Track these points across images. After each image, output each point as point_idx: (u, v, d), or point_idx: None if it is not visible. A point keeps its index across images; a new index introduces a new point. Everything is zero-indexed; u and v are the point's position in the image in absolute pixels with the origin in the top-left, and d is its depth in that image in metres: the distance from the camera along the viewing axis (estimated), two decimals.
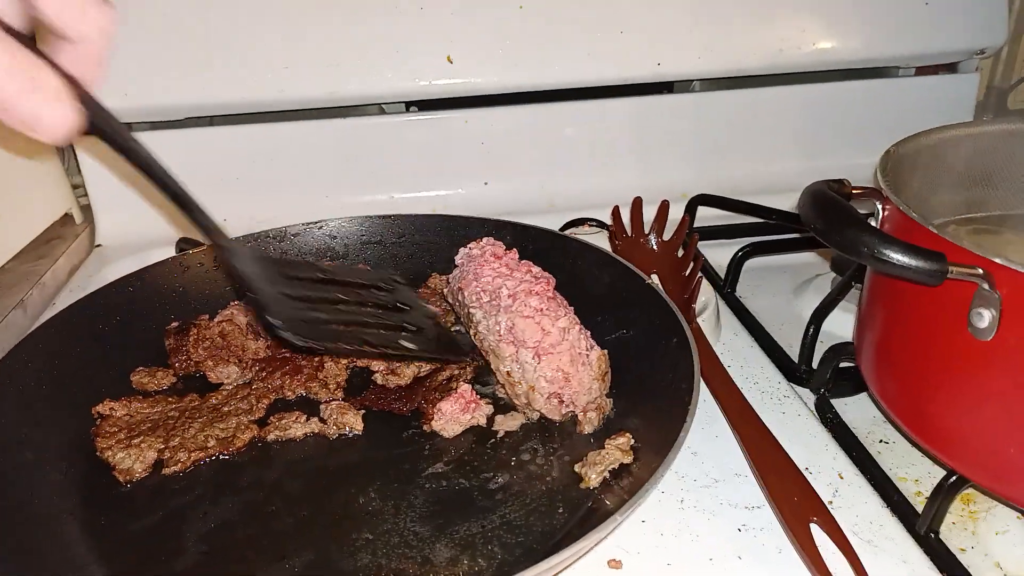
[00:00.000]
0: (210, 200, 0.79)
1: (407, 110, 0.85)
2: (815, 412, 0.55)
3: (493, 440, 0.49)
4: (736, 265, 0.70)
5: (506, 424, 0.50)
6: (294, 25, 0.77)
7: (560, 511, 0.43)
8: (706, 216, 0.81)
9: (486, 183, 0.86)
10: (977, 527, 0.46)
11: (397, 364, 0.53)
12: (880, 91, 0.90)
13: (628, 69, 0.82)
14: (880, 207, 0.42)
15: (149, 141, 0.78)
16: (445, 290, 0.57)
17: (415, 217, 0.66)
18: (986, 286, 0.35)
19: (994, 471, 0.40)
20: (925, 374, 0.42)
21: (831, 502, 0.46)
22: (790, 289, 0.72)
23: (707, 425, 0.52)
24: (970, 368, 0.38)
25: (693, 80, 0.88)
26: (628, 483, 0.42)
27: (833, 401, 0.55)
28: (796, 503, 0.44)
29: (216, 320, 0.56)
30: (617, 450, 0.44)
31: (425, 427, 0.49)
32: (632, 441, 0.45)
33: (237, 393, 0.51)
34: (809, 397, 0.56)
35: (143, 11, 0.75)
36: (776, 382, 0.57)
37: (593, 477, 0.43)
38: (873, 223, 0.43)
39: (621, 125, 0.87)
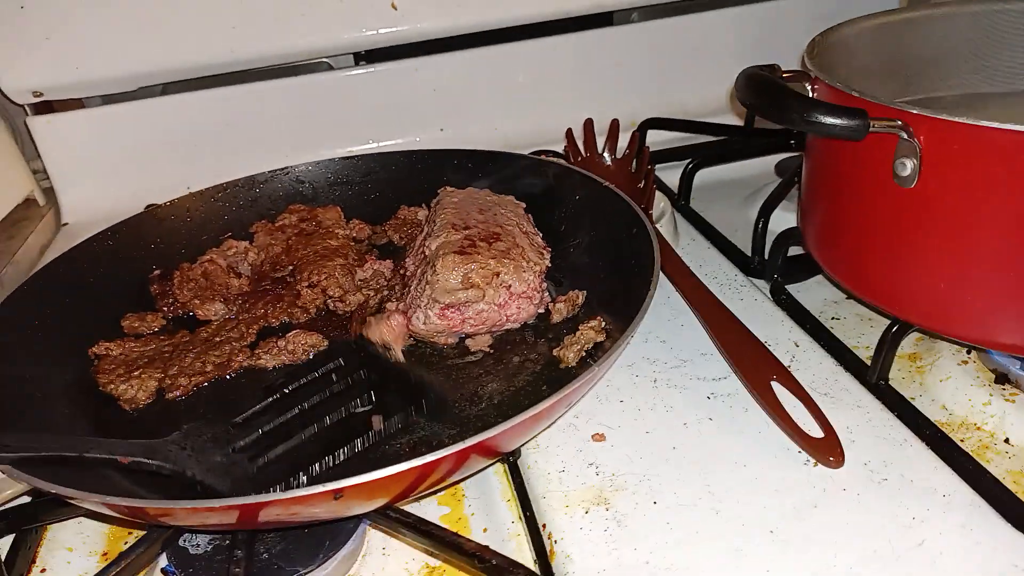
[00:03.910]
0: (170, 169, 0.82)
1: (357, 63, 0.87)
2: (771, 297, 0.59)
3: (472, 353, 0.52)
4: (687, 177, 0.74)
5: (479, 343, 0.53)
6: None
7: (544, 388, 0.46)
8: (657, 140, 0.84)
9: (441, 129, 0.88)
10: (924, 378, 0.50)
11: (345, 292, 0.56)
12: (804, 6, 0.94)
13: (569, 2, 0.85)
14: (809, 87, 0.46)
15: (104, 115, 0.81)
16: (420, 215, 0.59)
17: (379, 155, 0.68)
18: (905, 135, 0.39)
19: (930, 310, 0.44)
20: (861, 231, 0.46)
21: (789, 366, 0.50)
22: (740, 199, 0.76)
23: (673, 318, 0.56)
24: (899, 216, 0.42)
25: (632, 10, 0.91)
26: (604, 357, 0.46)
27: (787, 288, 0.59)
28: (757, 366, 0.48)
29: (198, 263, 0.58)
30: (591, 331, 0.47)
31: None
32: (604, 323, 0.49)
33: (226, 325, 0.53)
34: (765, 287, 0.60)
35: None
36: (733, 276, 0.61)
37: (571, 356, 0.47)
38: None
39: (567, 61, 0.89)
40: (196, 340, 0.52)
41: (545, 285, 0.53)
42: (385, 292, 0.55)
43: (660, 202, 0.67)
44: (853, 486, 0.42)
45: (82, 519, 0.46)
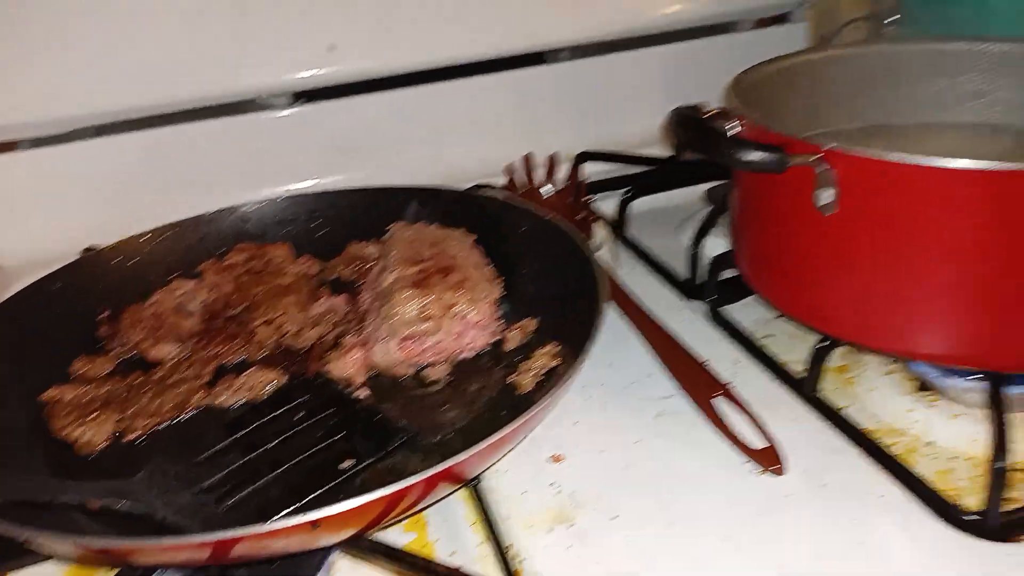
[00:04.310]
0: (108, 211, 0.81)
1: (295, 101, 0.88)
2: (709, 319, 0.62)
3: (431, 383, 0.53)
4: (624, 206, 0.77)
5: (437, 373, 0.54)
6: (174, 25, 0.78)
7: (503, 414, 0.48)
8: (595, 171, 0.87)
9: (380, 166, 0.90)
10: (853, 389, 0.54)
11: (300, 328, 0.56)
12: (728, 43, 1.00)
13: (505, 43, 0.88)
14: (732, 124, 0.49)
15: (37, 158, 0.79)
16: (369, 250, 0.61)
17: (325, 193, 0.69)
18: (822, 168, 0.43)
19: (854, 326, 0.48)
20: (787, 255, 0.49)
21: (730, 382, 0.53)
22: (676, 225, 0.79)
23: (618, 341, 0.59)
24: (821, 241, 0.46)
25: (564, 49, 0.95)
26: (559, 381, 0.48)
27: (724, 309, 0.62)
28: (699, 384, 0.51)
29: (147, 303, 0.58)
30: (545, 356, 0.50)
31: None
32: (559, 348, 0.51)
33: (180, 365, 0.53)
34: (703, 308, 0.64)
35: (15, 23, 0.75)
36: (673, 299, 0.65)
37: (527, 382, 0.49)
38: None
39: (505, 98, 0.92)
40: (151, 381, 0.52)
41: (499, 314, 0.55)
42: (341, 327, 0.56)
43: (600, 231, 0.70)
44: (796, 492, 0.45)
45: (44, 564, 0.44)
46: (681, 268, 0.68)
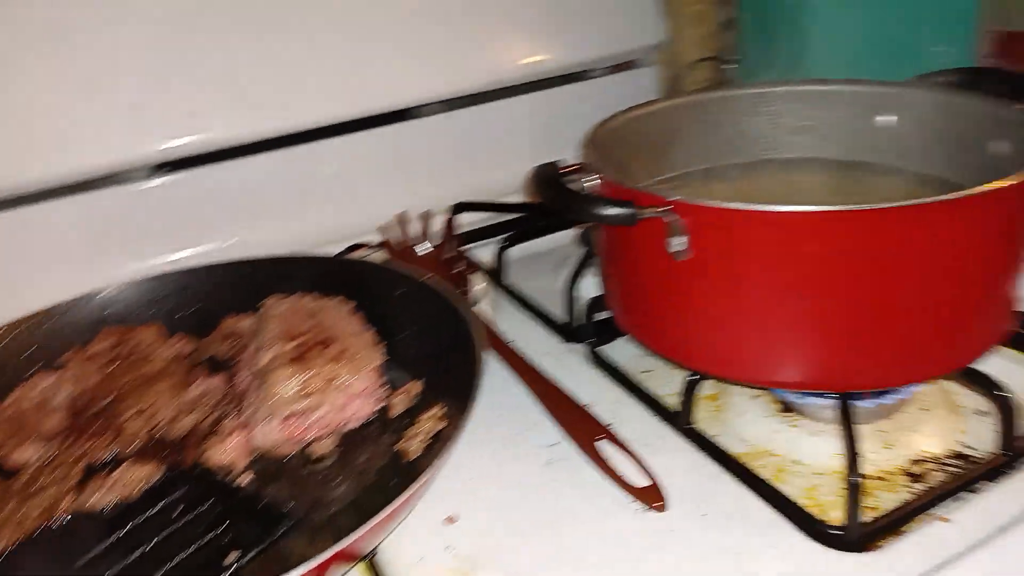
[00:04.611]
0: None
1: (155, 172, 0.85)
2: (589, 360, 0.64)
3: (318, 459, 0.53)
4: (501, 254, 0.79)
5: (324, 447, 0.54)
6: (27, 103, 0.75)
7: (393, 483, 0.48)
8: (472, 220, 0.89)
9: (251, 232, 0.88)
10: (724, 416, 0.57)
11: (175, 416, 0.55)
12: (587, 89, 1.05)
13: (371, 103, 0.89)
14: (588, 179, 0.52)
15: None
16: (245, 324, 0.59)
17: (195, 268, 0.67)
18: (672, 218, 0.46)
19: (717, 361, 0.51)
20: (650, 297, 0.52)
21: (612, 422, 0.55)
22: (552, 270, 0.82)
23: (505, 394, 0.60)
24: (679, 284, 0.49)
25: (430, 104, 0.97)
26: (445, 444, 0.48)
27: (602, 349, 0.65)
28: (582, 429, 0.53)
29: (5, 403, 0.54)
30: (431, 420, 0.50)
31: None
32: (443, 410, 0.52)
33: (46, 467, 0.50)
34: (583, 350, 0.66)
35: None
36: (554, 344, 0.67)
37: (414, 448, 0.49)
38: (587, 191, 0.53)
39: (375, 155, 0.93)
40: (14, 489, 0.48)
41: (382, 380, 0.55)
42: (219, 410, 0.55)
43: (479, 281, 0.72)
44: (680, 525, 0.47)
45: None
46: (560, 312, 0.70)
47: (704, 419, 0.57)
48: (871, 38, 0.94)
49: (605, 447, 0.52)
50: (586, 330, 0.66)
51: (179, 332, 0.64)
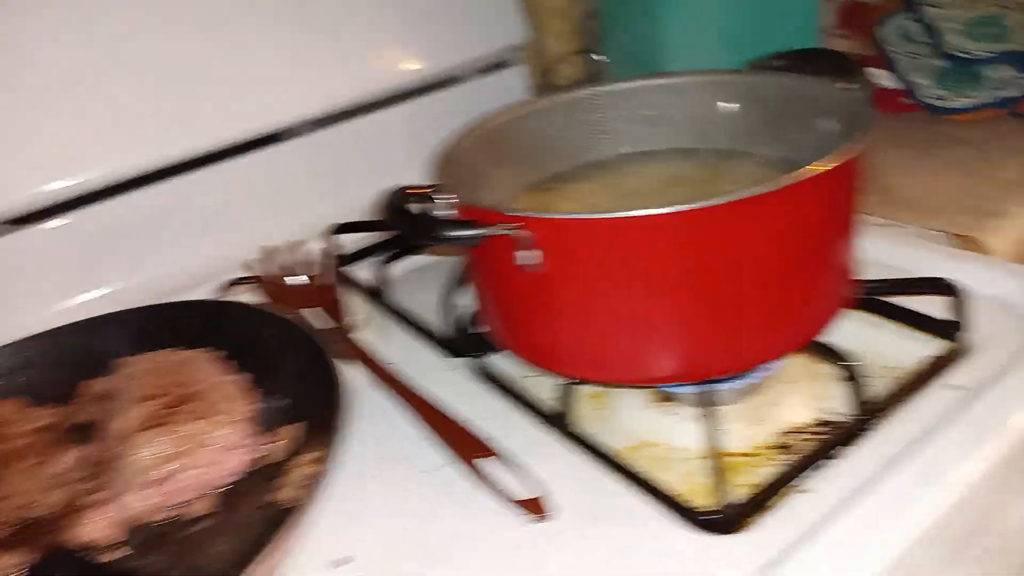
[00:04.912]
0: None
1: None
2: (474, 374, 0.64)
3: (194, 520, 0.51)
4: (383, 272, 0.79)
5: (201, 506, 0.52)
6: None
7: (273, 532, 0.47)
8: (354, 239, 0.87)
9: (137, 273, 0.85)
10: (605, 413, 0.59)
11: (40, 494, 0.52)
12: (458, 95, 1.05)
13: (242, 127, 0.87)
14: (441, 199, 0.52)
15: None
16: (104, 386, 0.57)
17: (49, 332, 0.64)
18: (519, 234, 0.46)
19: (587, 365, 0.52)
20: (516, 311, 0.53)
21: (496, 436, 0.56)
22: (435, 284, 0.82)
23: (388, 419, 0.59)
24: (540, 296, 0.50)
25: (301, 124, 0.95)
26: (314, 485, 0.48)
27: (485, 361, 0.65)
28: (463, 446, 0.53)
29: None
30: (306, 463, 0.49)
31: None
32: (318, 453, 0.51)
33: None
34: (466, 363, 0.66)
35: None
36: (438, 360, 0.67)
37: (286, 495, 0.48)
38: (444, 210, 0.53)
39: (246, 183, 0.91)
40: None
41: (256, 429, 0.53)
42: (90, 482, 0.52)
43: (360, 304, 0.71)
44: (566, 530, 0.48)
45: None
46: (443, 327, 0.70)
47: (588, 417, 0.58)
48: (724, 23, 0.98)
49: (488, 463, 0.52)
50: (468, 344, 0.66)
51: (42, 402, 0.61)
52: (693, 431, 0.54)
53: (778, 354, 0.53)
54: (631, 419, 0.57)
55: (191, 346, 0.58)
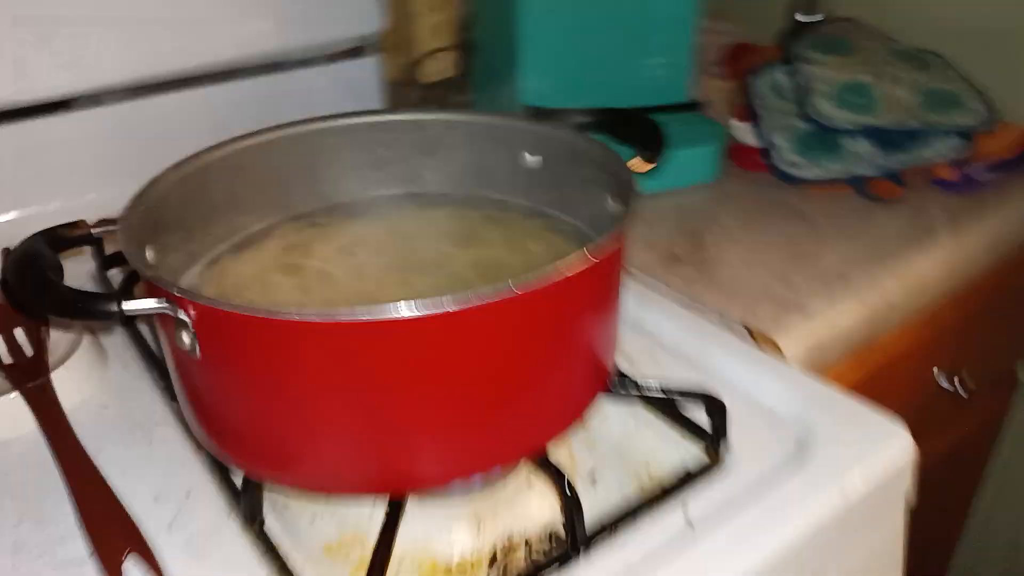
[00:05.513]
0: None
1: None
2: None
3: None
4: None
5: None
6: None
7: None
8: None
9: None
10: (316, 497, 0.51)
11: None
12: (305, 78, 0.95)
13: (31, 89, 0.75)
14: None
15: None
16: None
17: None
18: (172, 312, 0.38)
19: (266, 466, 0.44)
20: (190, 395, 0.45)
21: (172, 523, 0.48)
22: None
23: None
24: (201, 384, 0.42)
25: (109, 92, 0.83)
26: None
27: None
28: (111, 542, 0.45)
29: None
30: None
31: None
32: None
33: None
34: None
35: None
36: (155, 410, 0.57)
37: None
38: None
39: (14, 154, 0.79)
40: None
41: None
42: None
43: (66, 337, 0.58)
44: None
45: None
46: None
47: (292, 504, 0.50)
48: (587, 41, 0.90)
49: (134, 566, 0.44)
50: None
51: None
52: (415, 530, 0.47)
53: (490, 467, 0.46)
54: (347, 509, 0.50)
55: None
